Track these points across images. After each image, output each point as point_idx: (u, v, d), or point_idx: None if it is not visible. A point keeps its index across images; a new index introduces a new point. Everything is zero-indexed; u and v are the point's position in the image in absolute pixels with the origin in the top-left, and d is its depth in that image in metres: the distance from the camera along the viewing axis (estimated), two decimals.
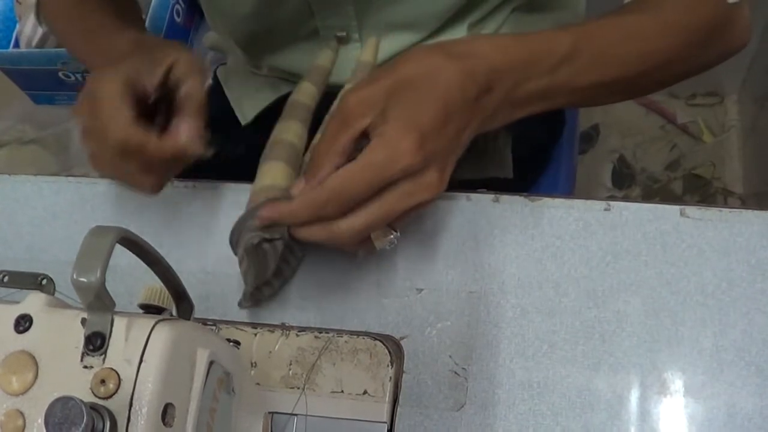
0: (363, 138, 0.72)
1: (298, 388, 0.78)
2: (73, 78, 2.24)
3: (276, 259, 0.78)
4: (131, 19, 1.01)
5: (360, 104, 0.71)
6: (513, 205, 0.85)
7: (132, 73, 0.81)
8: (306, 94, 0.91)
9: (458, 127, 0.72)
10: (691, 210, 0.82)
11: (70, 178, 0.98)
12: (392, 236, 0.75)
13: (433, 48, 0.73)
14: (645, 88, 0.86)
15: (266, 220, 0.74)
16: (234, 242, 0.79)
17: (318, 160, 0.73)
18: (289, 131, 0.86)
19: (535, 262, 0.83)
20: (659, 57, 0.82)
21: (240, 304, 0.84)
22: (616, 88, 0.82)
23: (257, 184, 0.81)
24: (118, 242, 0.54)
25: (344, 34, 0.98)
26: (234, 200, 0.91)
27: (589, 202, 0.84)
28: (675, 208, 0.83)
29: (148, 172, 0.80)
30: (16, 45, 2.30)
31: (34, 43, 2.26)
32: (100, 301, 0.52)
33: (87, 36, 1.01)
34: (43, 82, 2.28)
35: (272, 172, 0.82)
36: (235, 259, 0.79)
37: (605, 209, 0.84)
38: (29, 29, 2.28)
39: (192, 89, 0.83)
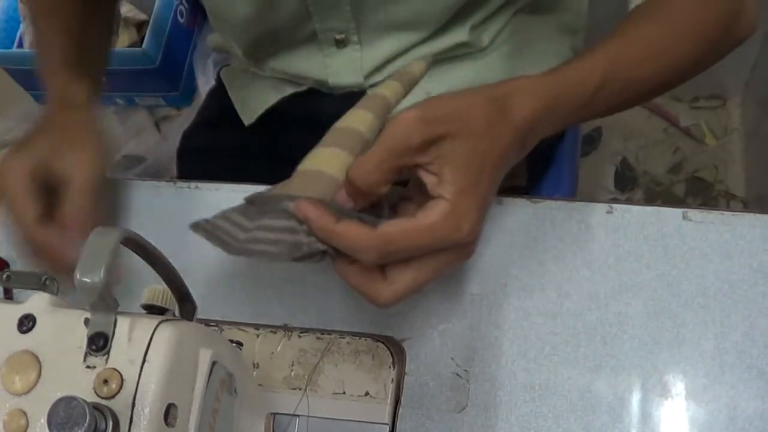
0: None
1: (300, 389, 0.78)
2: None
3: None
4: (87, 58, 1.00)
5: (423, 139, 0.67)
6: (516, 207, 0.85)
7: (42, 160, 0.84)
8: (390, 89, 0.83)
9: (501, 177, 0.72)
10: (694, 213, 0.82)
11: None
12: None
13: (489, 101, 0.70)
14: (661, 92, 0.86)
15: (301, 214, 0.69)
16: (253, 202, 0.75)
17: (363, 174, 0.69)
18: (360, 120, 0.79)
19: (538, 264, 0.83)
20: (678, 66, 0.82)
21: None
22: (639, 100, 0.83)
23: (305, 164, 0.76)
24: (121, 243, 0.54)
25: (343, 36, 0.98)
26: (237, 200, 0.91)
27: (591, 204, 0.84)
28: (677, 211, 0.83)
29: (58, 265, 0.80)
30: (20, 45, 2.30)
31: None
32: (103, 301, 0.53)
33: (41, 49, 1.02)
34: None
35: (326, 158, 0.75)
36: (238, 259, 0.79)
37: (608, 212, 0.84)
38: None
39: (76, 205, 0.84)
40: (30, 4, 1.07)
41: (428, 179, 0.68)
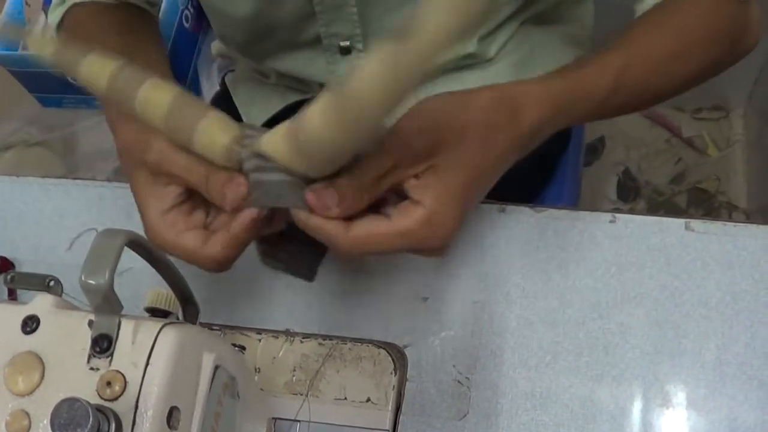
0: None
1: (302, 395, 0.78)
2: None
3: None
4: None
5: (412, 155, 0.66)
6: (519, 215, 0.86)
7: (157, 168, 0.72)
8: None
9: (492, 184, 0.71)
10: (696, 223, 0.82)
11: (78, 181, 0.98)
12: None
13: (496, 101, 0.69)
14: (665, 100, 0.87)
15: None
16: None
17: (352, 186, 0.66)
18: None
19: (540, 272, 0.83)
20: (687, 76, 0.82)
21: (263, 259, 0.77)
22: (645, 106, 0.84)
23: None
24: (126, 245, 0.54)
25: (348, 43, 0.97)
26: None
27: (594, 213, 0.84)
28: (680, 221, 0.83)
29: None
30: (25, 47, 2.30)
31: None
32: (107, 303, 0.53)
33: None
34: (51, 85, 2.28)
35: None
36: (242, 264, 0.78)
37: (610, 221, 0.84)
38: (38, 32, 2.29)
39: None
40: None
41: (410, 182, 0.66)
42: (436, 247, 0.67)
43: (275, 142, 0.61)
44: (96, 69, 0.63)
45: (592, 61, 0.76)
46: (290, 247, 0.74)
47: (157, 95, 0.63)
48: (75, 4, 0.96)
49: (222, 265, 0.68)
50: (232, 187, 0.64)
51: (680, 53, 0.81)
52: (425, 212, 0.65)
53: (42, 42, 0.63)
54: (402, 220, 0.65)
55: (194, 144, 0.63)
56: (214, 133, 0.63)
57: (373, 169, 0.65)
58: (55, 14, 0.99)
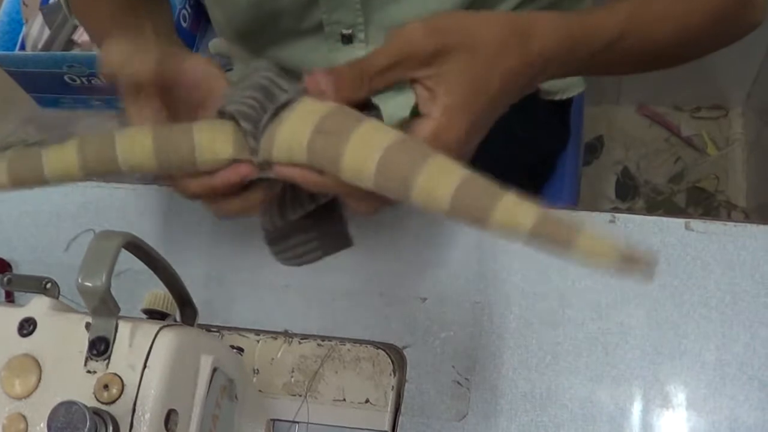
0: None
1: (300, 396, 0.78)
2: (78, 81, 2.23)
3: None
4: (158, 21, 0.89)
5: (420, 54, 0.65)
6: None
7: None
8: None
9: (500, 112, 0.69)
10: (696, 223, 0.82)
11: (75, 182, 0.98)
12: None
13: (507, 22, 0.68)
14: (672, 62, 0.86)
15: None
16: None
17: (360, 76, 0.66)
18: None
19: (540, 273, 0.83)
20: (692, 33, 0.81)
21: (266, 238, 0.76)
22: (649, 63, 0.83)
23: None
24: (123, 247, 0.54)
25: (350, 32, 0.97)
26: None
27: (594, 214, 0.84)
28: (680, 221, 0.83)
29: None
30: (22, 47, 2.30)
31: (39, 45, 2.26)
32: (105, 305, 0.52)
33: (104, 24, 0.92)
34: (49, 85, 2.28)
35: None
36: (240, 265, 0.79)
37: (610, 221, 0.84)
38: (35, 32, 2.29)
39: None
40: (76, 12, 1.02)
41: (421, 93, 0.66)
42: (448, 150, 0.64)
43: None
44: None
45: (601, 7, 0.76)
46: (308, 233, 0.74)
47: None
48: None
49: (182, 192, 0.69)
50: None
51: (687, 7, 0.80)
52: (433, 124, 0.64)
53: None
54: (416, 132, 0.64)
55: None
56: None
57: (376, 61, 0.65)
58: None
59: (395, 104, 0.70)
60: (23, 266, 0.94)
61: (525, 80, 0.69)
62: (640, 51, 0.79)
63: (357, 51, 0.98)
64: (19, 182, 0.65)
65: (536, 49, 0.68)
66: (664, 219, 0.83)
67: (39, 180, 0.64)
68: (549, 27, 0.70)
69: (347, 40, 0.97)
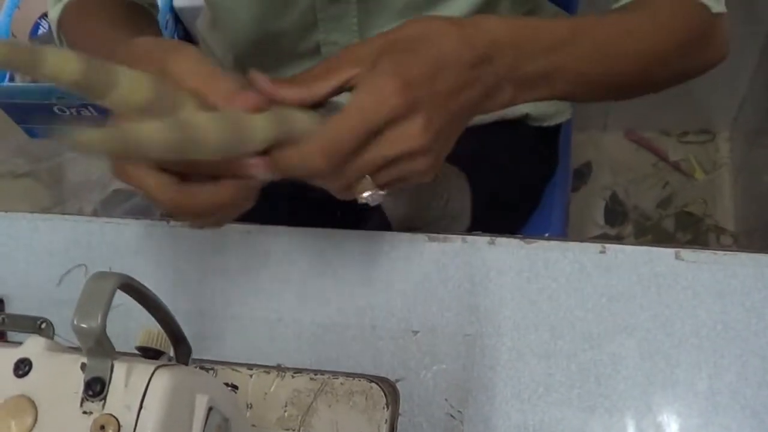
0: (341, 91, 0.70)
1: (294, 430, 0.78)
2: (68, 112, 2.24)
3: None
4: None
5: (351, 57, 0.70)
6: (509, 247, 0.86)
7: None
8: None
9: (451, 87, 0.70)
10: (686, 253, 0.83)
11: (66, 216, 0.98)
12: (376, 191, 0.71)
13: (435, 15, 0.72)
14: (637, 89, 0.87)
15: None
16: None
17: (291, 91, 0.70)
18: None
19: (531, 304, 0.83)
20: (654, 57, 0.83)
21: None
22: (612, 82, 0.84)
23: None
24: (118, 288, 0.54)
25: None
26: (232, 239, 0.91)
27: (584, 244, 0.84)
28: (670, 251, 0.83)
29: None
30: (11, 79, 2.30)
31: (29, 77, 2.27)
32: (100, 346, 0.53)
33: (100, 50, 0.95)
34: (38, 116, 2.29)
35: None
36: (231, 299, 0.79)
37: (600, 251, 0.84)
38: None
39: None
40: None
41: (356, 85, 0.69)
42: (392, 114, 0.67)
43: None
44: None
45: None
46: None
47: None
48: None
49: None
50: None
51: (646, 29, 0.83)
52: (362, 85, 0.68)
53: None
54: (348, 102, 0.67)
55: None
56: None
57: (313, 69, 0.70)
58: (56, 10, 0.99)
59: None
60: (15, 302, 0.94)
61: (470, 57, 0.70)
62: (598, 64, 0.80)
63: None
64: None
65: (481, 36, 0.71)
66: (654, 249, 0.83)
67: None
68: (492, 18, 0.73)
69: None
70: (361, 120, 0.66)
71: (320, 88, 0.70)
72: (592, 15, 0.81)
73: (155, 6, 1.07)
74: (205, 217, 0.70)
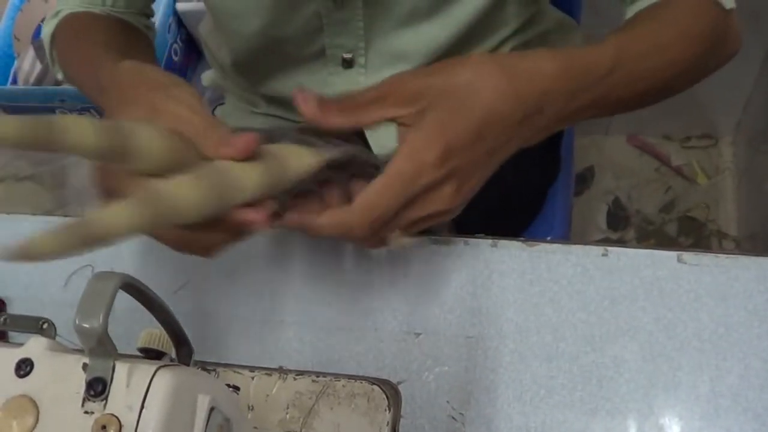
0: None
1: None
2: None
3: None
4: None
5: (400, 92, 0.71)
6: (511, 250, 0.86)
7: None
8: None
9: (491, 146, 0.72)
10: (688, 256, 0.83)
11: (69, 219, 0.98)
12: (406, 239, 0.75)
13: (494, 61, 0.72)
14: (658, 98, 0.88)
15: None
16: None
17: (338, 119, 0.72)
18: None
19: (533, 307, 0.83)
20: (681, 65, 0.84)
21: None
22: (639, 99, 0.84)
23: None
24: (120, 288, 0.54)
25: (351, 56, 0.98)
26: None
27: (587, 247, 0.84)
28: (672, 254, 0.83)
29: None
30: (14, 82, 2.31)
31: (32, 80, 2.27)
32: (102, 346, 0.53)
33: (87, 68, 0.93)
34: None
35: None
36: (234, 300, 0.79)
37: (603, 254, 0.84)
38: (27, 66, 2.30)
39: None
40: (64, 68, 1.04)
41: (401, 128, 0.72)
42: (429, 184, 0.69)
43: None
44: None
45: (590, 44, 0.78)
46: None
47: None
48: (69, 15, 0.98)
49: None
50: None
51: (673, 40, 0.83)
52: (404, 146, 0.69)
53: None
54: (389, 166, 0.69)
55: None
56: None
57: (361, 96, 0.72)
58: (50, 25, 1.00)
59: (386, 133, 0.73)
60: (17, 303, 0.94)
61: (520, 115, 0.72)
62: (632, 84, 0.80)
63: (356, 76, 0.99)
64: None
65: (534, 90, 0.71)
66: (657, 252, 0.83)
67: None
68: (544, 62, 0.73)
69: (348, 64, 0.98)
70: (401, 189, 0.69)
71: (366, 119, 0.72)
72: (627, 32, 0.82)
73: (151, 28, 1.08)
74: (210, 250, 0.71)
